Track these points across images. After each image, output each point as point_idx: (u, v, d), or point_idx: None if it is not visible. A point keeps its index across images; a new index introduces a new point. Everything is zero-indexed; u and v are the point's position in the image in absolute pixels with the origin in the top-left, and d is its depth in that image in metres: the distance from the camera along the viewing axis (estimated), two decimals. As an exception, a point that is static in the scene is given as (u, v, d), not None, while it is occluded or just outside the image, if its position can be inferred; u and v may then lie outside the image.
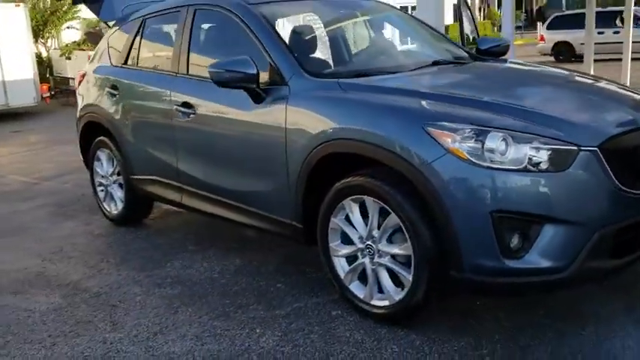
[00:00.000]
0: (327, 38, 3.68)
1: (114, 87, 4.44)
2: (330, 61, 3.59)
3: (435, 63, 3.58)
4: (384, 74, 3.31)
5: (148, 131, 4.17)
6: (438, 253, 2.59)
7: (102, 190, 4.93)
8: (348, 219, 2.96)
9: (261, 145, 3.28)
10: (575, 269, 2.46)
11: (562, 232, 2.44)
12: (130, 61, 4.48)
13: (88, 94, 4.85)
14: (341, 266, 3.04)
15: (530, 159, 2.43)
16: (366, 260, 2.89)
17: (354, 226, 2.93)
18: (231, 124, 3.49)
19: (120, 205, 4.72)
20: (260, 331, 2.95)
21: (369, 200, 2.80)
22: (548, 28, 19.26)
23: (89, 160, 4.96)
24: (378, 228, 2.81)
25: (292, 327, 2.97)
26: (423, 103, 2.75)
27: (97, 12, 4.97)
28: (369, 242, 2.85)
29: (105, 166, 4.79)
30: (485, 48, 4.08)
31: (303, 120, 3.05)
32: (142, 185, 4.39)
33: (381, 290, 2.89)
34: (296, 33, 3.55)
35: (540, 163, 2.43)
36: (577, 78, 3.61)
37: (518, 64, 4.21)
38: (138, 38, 4.44)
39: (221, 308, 3.23)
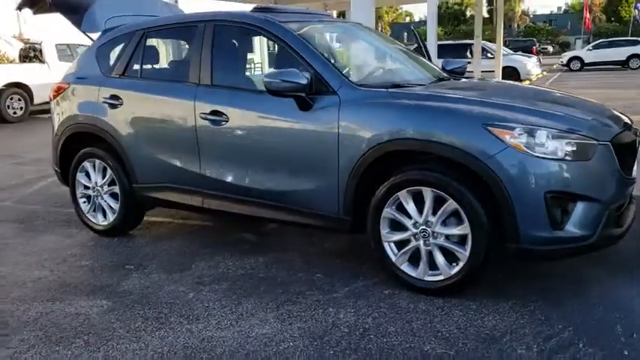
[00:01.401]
0: (347, 53, 4.15)
1: (114, 97, 4.51)
2: (362, 73, 4.06)
3: (441, 79, 4.21)
4: (414, 86, 3.86)
5: (163, 140, 4.30)
6: (492, 230, 3.17)
7: (85, 202, 4.89)
8: (400, 208, 3.44)
9: (309, 147, 3.65)
10: (598, 236, 3.17)
11: (589, 207, 3.14)
12: (129, 72, 4.57)
13: (71, 106, 4.82)
14: (391, 250, 3.51)
15: (564, 151, 3.11)
16: (420, 242, 3.39)
17: (407, 214, 3.41)
18: (273, 129, 3.81)
19: (111, 216, 4.73)
20: (334, 310, 3.31)
21: (426, 190, 3.31)
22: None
23: (70, 172, 4.89)
24: (433, 214, 3.33)
25: (359, 304, 3.37)
26: (474, 107, 3.34)
27: (77, 23, 4.95)
28: (423, 227, 3.36)
29: (93, 176, 4.77)
30: (450, 68, 4.81)
31: (357, 124, 3.49)
32: (147, 193, 4.48)
33: (432, 268, 3.40)
34: (327, 48, 3.99)
35: (572, 154, 3.12)
36: (552, 90, 4.43)
37: (493, 81, 5.00)
38: (139, 50, 4.55)
39: (282, 296, 3.52)
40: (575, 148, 3.13)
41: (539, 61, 24.91)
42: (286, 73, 3.56)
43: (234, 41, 4.31)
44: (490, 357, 2.76)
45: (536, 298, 3.35)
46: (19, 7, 5.50)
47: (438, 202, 3.31)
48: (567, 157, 3.11)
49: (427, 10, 7.41)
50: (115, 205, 4.70)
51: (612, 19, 60.93)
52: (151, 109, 4.37)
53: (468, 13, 70.33)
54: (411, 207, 3.40)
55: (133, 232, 4.90)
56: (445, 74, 4.60)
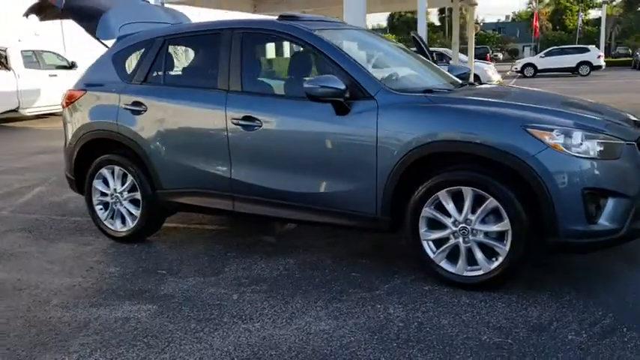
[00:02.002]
0: (378, 60, 4.30)
1: (137, 104, 4.53)
2: (395, 79, 4.21)
3: (462, 84, 4.41)
4: (444, 91, 4.04)
5: (191, 145, 4.35)
6: (531, 225, 3.37)
7: (101, 209, 4.89)
8: (439, 207, 3.61)
9: (347, 150, 3.78)
10: (626, 229, 3.42)
11: (618, 203, 3.38)
12: (151, 79, 4.60)
13: (88, 113, 4.81)
14: (430, 248, 3.68)
15: (596, 150, 3.35)
16: (460, 240, 3.57)
17: (446, 213, 3.59)
18: (308, 133, 3.92)
19: (131, 223, 4.74)
20: (381, 306, 3.44)
21: (467, 190, 3.49)
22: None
23: (86, 179, 4.87)
24: (472, 212, 3.51)
25: (404, 300, 3.51)
26: (511, 110, 3.55)
27: (92, 31, 4.94)
28: (463, 224, 3.54)
29: (112, 183, 4.77)
30: (456, 74, 5.04)
31: (397, 127, 3.64)
32: (172, 198, 4.52)
33: (471, 263, 3.58)
34: (357, 54, 4.13)
35: (603, 153, 3.36)
36: (573, 96, 4.67)
37: (510, 87, 5.23)
38: (161, 57, 4.60)
39: (326, 295, 3.64)
40: (605, 148, 3.37)
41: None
42: (325, 79, 3.69)
43: (264, 48, 4.40)
44: (545, 343, 2.94)
45: (569, 289, 3.57)
46: (26, 14, 5.44)
47: (477, 201, 3.49)
48: (599, 156, 3.35)
49: (418, 18, 7.69)
50: (136, 212, 4.71)
51: (557, 27, 63.29)
52: (177, 115, 4.41)
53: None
54: (450, 206, 3.57)
55: (151, 238, 4.91)
56: (459, 80, 4.80)
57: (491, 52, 41.81)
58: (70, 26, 6.67)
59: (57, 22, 7.01)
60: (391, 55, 4.87)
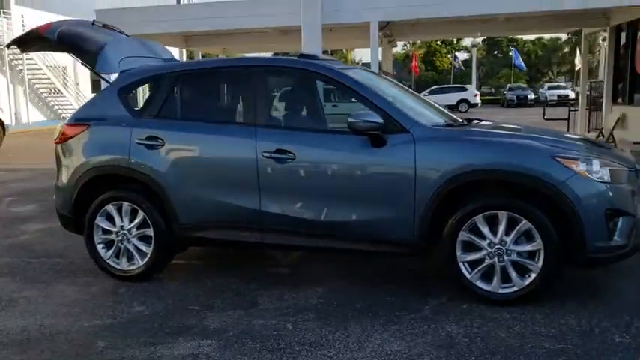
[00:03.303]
0: (398, 98, 4.59)
1: (152, 138, 4.48)
2: (421, 115, 4.50)
3: (470, 120, 4.82)
4: (464, 126, 4.42)
5: (215, 179, 4.36)
6: (561, 244, 3.81)
7: (104, 248, 4.72)
8: (475, 231, 3.95)
9: (386, 180, 4.03)
10: (631, 244, 3.96)
11: (627, 221, 3.92)
12: (165, 114, 4.57)
13: (91, 149, 4.66)
14: (466, 269, 3.99)
15: (609, 177, 3.87)
16: (495, 260, 3.92)
17: (482, 236, 3.93)
18: (343, 165, 4.12)
19: (140, 260, 4.62)
20: (436, 325, 3.68)
21: (502, 214, 3.86)
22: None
23: (87, 217, 4.68)
24: (506, 234, 3.89)
25: (453, 318, 3.78)
26: (536, 143, 3.99)
27: (92, 63, 4.82)
28: (498, 245, 3.90)
29: (118, 220, 4.63)
30: None
31: (435, 159, 3.95)
32: (191, 233, 4.49)
33: (505, 281, 3.94)
34: (383, 91, 4.42)
35: (615, 178, 3.89)
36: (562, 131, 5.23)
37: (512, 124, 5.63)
38: (175, 92, 4.60)
39: (377, 319, 3.80)
40: (618, 175, 3.91)
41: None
42: (367, 114, 3.96)
43: (291, 85, 4.56)
44: (599, 347, 3.33)
45: (586, 298, 4.03)
46: (8, 46, 5.17)
47: (510, 224, 3.87)
48: (611, 181, 3.87)
49: (370, 55, 8.20)
50: (147, 249, 4.60)
51: (429, 68, 67.92)
52: (200, 149, 4.42)
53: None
54: (486, 230, 3.92)
55: (157, 276, 4.78)
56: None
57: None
58: None
59: None
60: (398, 92, 5.19)
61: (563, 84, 43.76)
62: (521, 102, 36.75)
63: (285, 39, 11.11)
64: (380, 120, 3.95)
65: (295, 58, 4.56)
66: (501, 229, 3.89)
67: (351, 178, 4.11)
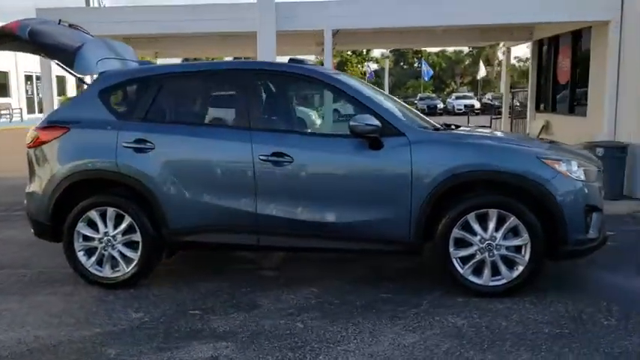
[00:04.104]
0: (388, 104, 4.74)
1: (141, 141, 4.39)
2: (412, 119, 4.67)
3: (448, 125, 5.07)
4: (449, 130, 4.66)
5: (209, 182, 4.33)
6: (545, 238, 4.12)
7: (84, 255, 4.55)
8: (466, 228, 4.19)
9: (382, 182, 4.18)
10: (600, 238, 4.35)
11: (598, 216, 4.31)
12: (153, 117, 4.50)
13: (72, 152, 4.49)
14: (459, 265, 4.23)
15: (585, 175, 4.25)
16: (486, 255, 4.18)
17: (473, 233, 4.18)
18: (341, 167, 4.24)
19: (126, 267, 4.50)
20: (439, 318, 3.87)
21: (493, 211, 4.13)
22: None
23: (67, 224, 4.50)
24: (495, 230, 4.16)
25: (453, 311, 3.99)
26: (520, 146, 4.30)
27: (69, 64, 4.63)
28: (489, 241, 4.16)
29: (102, 226, 4.49)
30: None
31: (430, 161, 4.15)
32: (182, 237, 4.44)
33: (494, 274, 4.20)
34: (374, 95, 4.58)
35: (589, 177, 4.27)
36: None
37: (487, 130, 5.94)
38: (162, 95, 4.53)
39: (381, 315, 3.94)
40: (590, 174, 4.29)
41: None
42: (367, 117, 4.11)
43: (286, 89, 4.62)
44: (592, 329, 3.65)
45: (568, 288, 4.38)
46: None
47: (499, 221, 4.15)
48: (587, 180, 4.25)
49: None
50: (133, 254, 4.49)
51: (341, 77, 69.28)
52: (194, 152, 4.38)
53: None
54: (477, 226, 4.17)
55: (142, 282, 4.66)
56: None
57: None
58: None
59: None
60: (384, 98, 5.35)
61: (469, 94, 46.00)
62: (432, 111, 38.31)
63: (225, 43, 11.07)
64: (377, 123, 4.10)
65: (295, 63, 4.58)
66: (491, 225, 4.15)
67: (349, 179, 4.24)
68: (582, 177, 4.21)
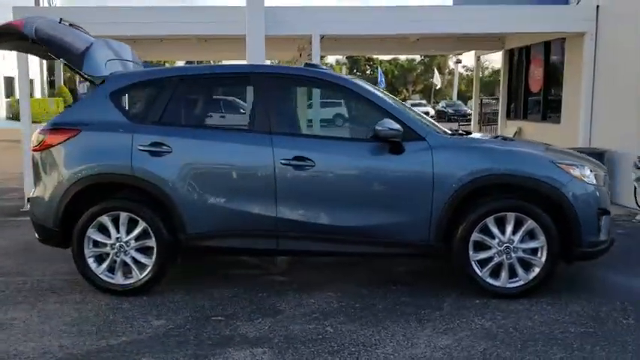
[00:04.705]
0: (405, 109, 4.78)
1: (157, 144, 4.30)
2: (429, 124, 4.72)
3: (458, 131, 5.17)
4: (464, 136, 4.74)
5: (229, 187, 4.28)
6: (561, 239, 4.25)
7: (94, 261, 4.42)
8: (485, 231, 4.28)
9: (404, 185, 4.23)
10: (609, 240, 4.53)
11: (607, 219, 4.48)
12: (169, 120, 4.41)
13: (84, 156, 4.36)
14: (478, 267, 4.31)
15: (595, 180, 4.41)
16: (504, 257, 4.28)
17: (492, 236, 4.27)
18: (364, 170, 4.26)
19: (139, 273, 4.39)
20: (465, 320, 3.93)
21: (510, 215, 4.23)
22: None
23: (77, 230, 4.36)
24: (513, 233, 4.26)
25: (475, 312, 4.06)
26: (536, 151, 4.42)
27: (78, 65, 4.48)
28: (507, 244, 4.26)
29: (114, 232, 4.37)
30: None
31: (451, 165, 4.22)
32: (200, 242, 4.36)
33: (511, 276, 4.30)
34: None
35: (600, 181, 4.44)
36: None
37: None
38: (180, 98, 4.46)
39: (408, 318, 3.98)
40: (600, 178, 4.46)
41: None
42: (390, 122, 4.15)
43: (308, 93, 4.60)
44: (614, 328, 3.78)
45: (578, 289, 4.52)
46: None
47: (517, 224, 4.25)
48: (597, 184, 4.41)
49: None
50: (147, 260, 4.38)
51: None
52: (213, 156, 4.32)
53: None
54: (495, 230, 4.26)
55: (155, 288, 4.54)
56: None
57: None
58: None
59: None
60: (400, 104, 5.39)
61: (424, 102, 46.82)
62: (389, 118, 38.81)
63: (206, 46, 10.92)
64: (400, 128, 4.15)
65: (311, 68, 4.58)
66: (509, 228, 4.25)
67: (371, 183, 4.26)
68: (594, 181, 4.37)
